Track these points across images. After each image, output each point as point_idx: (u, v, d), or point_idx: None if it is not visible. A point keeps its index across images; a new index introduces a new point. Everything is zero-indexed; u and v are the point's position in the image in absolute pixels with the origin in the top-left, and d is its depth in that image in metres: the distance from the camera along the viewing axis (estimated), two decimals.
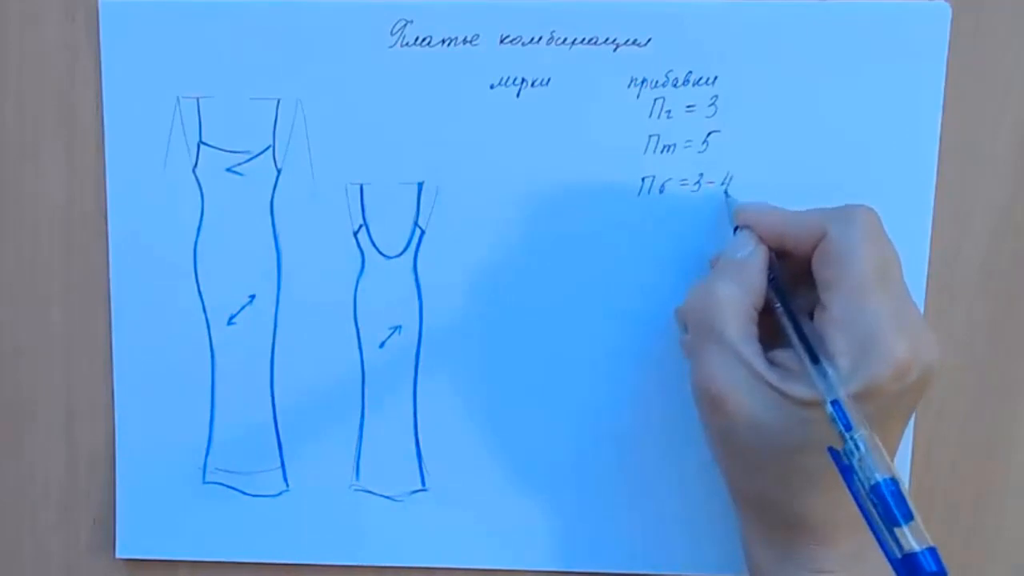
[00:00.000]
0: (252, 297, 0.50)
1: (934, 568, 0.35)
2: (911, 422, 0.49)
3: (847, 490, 0.38)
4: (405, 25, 0.48)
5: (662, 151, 0.48)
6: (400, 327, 0.50)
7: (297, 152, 0.49)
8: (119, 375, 0.51)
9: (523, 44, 0.47)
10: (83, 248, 0.50)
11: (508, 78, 0.48)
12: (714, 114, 0.48)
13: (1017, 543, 0.51)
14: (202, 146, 0.49)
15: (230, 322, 0.50)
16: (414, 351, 0.50)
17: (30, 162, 0.50)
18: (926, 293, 0.48)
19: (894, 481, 0.36)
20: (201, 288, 0.50)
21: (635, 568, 0.51)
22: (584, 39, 0.47)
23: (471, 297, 0.49)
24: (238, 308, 0.50)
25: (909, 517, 0.36)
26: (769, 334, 0.42)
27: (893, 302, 0.40)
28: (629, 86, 0.47)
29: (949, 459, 0.50)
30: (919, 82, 0.47)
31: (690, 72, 0.47)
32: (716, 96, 0.47)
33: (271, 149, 0.49)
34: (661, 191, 0.48)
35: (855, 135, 0.47)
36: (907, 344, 0.39)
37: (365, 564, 0.52)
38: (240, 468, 0.51)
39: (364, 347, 0.50)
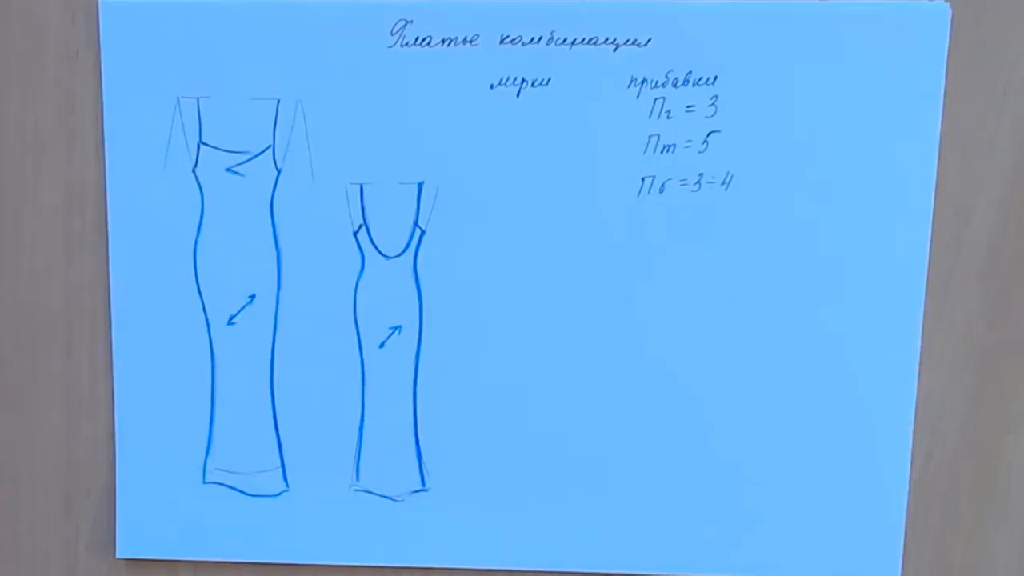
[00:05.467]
0: (252, 297, 0.50)
1: None
2: (911, 420, 0.49)
3: None
4: (405, 25, 0.47)
5: (662, 151, 0.48)
6: (400, 327, 0.50)
7: (297, 152, 0.49)
8: (119, 375, 0.51)
9: (523, 44, 0.47)
10: (83, 248, 0.50)
11: (508, 78, 0.48)
12: (714, 114, 0.48)
13: (1019, 542, 0.51)
14: (202, 146, 0.49)
15: (230, 322, 0.50)
16: (414, 351, 0.50)
17: (30, 162, 0.50)
18: (926, 292, 0.48)
19: None
20: (201, 288, 0.50)
21: (635, 568, 0.51)
22: (584, 39, 0.47)
23: (471, 297, 0.49)
24: (238, 308, 0.50)
25: None
26: None
27: None
28: (629, 86, 0.47)
29: (949, 458, 0.50)
30: (919, 82, 0.47)
31: (690, 72, 0.47)
32: (716, 96, 0.47)
33: (271, 149, 0.49)
34: (661, 191, 0.48)
35: (855, 135, 0.47)
36: None
37: (365, 564, 0.52)
38: (240, 468, 0.51)
39: (364, 347, 0.50)
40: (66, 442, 0.52)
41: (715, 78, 0.47)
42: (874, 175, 0.48)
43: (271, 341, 0.50)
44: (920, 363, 0.49)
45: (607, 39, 0.47)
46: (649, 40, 0.47)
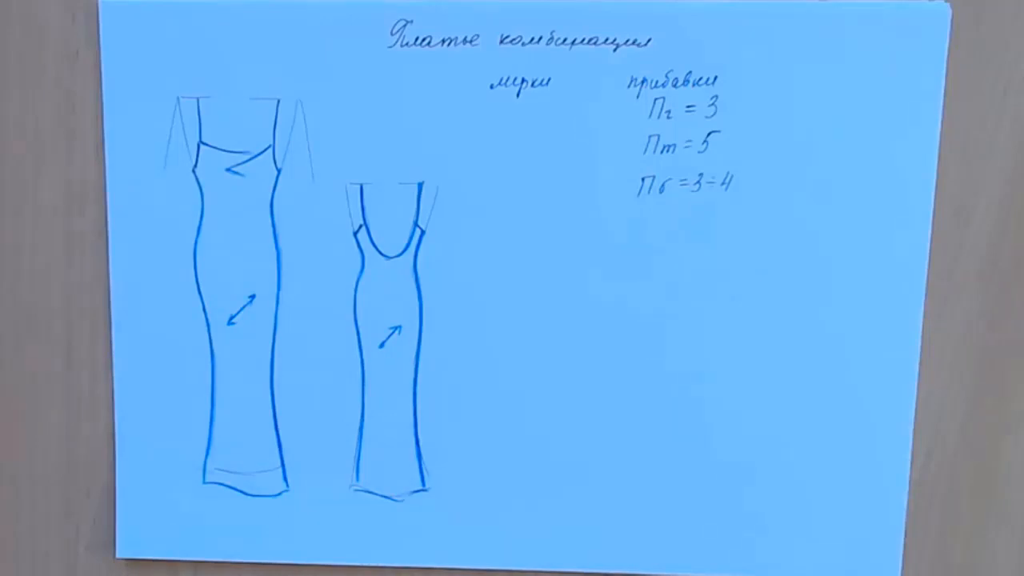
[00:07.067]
0: (252, 297, 0.50)
1: None
2: (911, 420, 0.49)
3: None
4: (405, 25, 0.48)
5: (662, 151, 0.48)
6: (400, 327, 0.50)
7: (297, 152, 0.49)
8: (119, 375, 0.51)
9: (523, 44, 0.47)
10: (83, 248, 0.50)
11: (508, 78, 0.48)
12: (714, 114, 0.48)
13: (1019, 542, 0.51)
14: (202, 146, 0.49)
15: (230, 322, 0.50)
16: (414, 351, 0.50)
17: (30, 162, 0.50)
18: (926, 292, 0.48)
19: None
20: (201, 288, 0.50)
21: (635, 568, 0.51)
22: (584, 39, 0.47)
23: (471, 297, 0.49)
24: (238, 308, 0.50)
25: None
26: None
27: None
28: (629, 86, 0.47)
29: (949, 458, 0.50)
30: (919, 82, 0.47)
31: (690, 72, 0.47)
32: (716, 96, 0.47)
33: (271, 149, 0.49)
34: (661, 191, 0.48)
35: (855, 135, 0.47)
36: None
37: (365, 564, 0.52)
38: (240, 468, 0.51)
39: (364, 347, 0.50)
40: (66, 442, 0.52)
41: (715, 78, 0.47)
42: (874, 175, 0.48)
43: (271, 341, 0.50)
44: (920, 363, 0.49)
45: (607, 39, 0.47)
46: (649, 40, 0.47)
